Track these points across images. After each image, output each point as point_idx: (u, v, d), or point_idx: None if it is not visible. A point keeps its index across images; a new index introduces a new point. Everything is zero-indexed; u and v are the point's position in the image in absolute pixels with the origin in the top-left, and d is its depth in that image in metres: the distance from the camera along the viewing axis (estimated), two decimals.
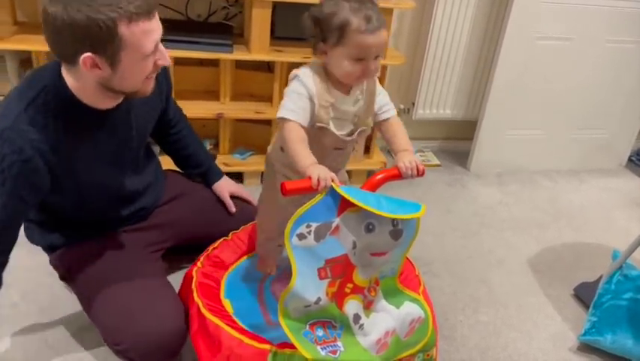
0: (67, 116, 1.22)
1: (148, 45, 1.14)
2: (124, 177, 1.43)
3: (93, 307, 1.40)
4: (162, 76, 1.43)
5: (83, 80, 1.19)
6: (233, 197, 1.78)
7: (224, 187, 1.77)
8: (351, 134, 1.27)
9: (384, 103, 1.30)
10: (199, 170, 1.76)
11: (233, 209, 1.75)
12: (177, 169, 1.81)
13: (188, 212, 1.68)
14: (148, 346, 1.29)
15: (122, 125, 1.34)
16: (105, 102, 1.26)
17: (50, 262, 1.54)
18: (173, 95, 1.66)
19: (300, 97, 1.18)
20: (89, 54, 1.10)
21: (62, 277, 1.56)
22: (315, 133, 1.21)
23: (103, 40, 1.08)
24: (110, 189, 1.42)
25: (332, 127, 1.23)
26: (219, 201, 1.76)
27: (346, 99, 1.23)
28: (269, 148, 1.39)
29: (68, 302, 1.58)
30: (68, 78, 1.21)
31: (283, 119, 1.17)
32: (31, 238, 1.51)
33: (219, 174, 1.79)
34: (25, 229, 1.51)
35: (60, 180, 1.26)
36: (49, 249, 1.52)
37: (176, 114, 1.69)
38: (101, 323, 1.38)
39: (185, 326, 1.37)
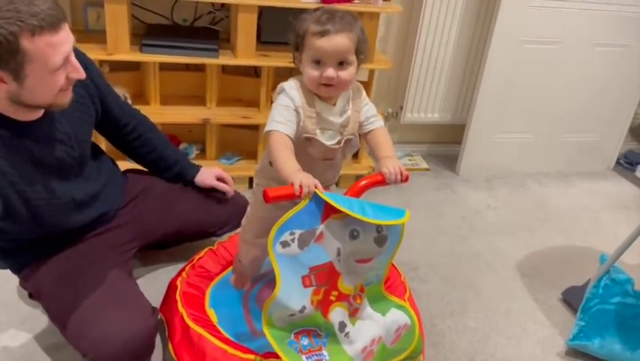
0: None
1: (55, 58, 1.11)
2: (72, 185, 1.39)
3: (60, 321, 1.36)
4: (89, 82, 1.38)
5: None
6: (213, 189, 1.76)
7: (208, 176, 1.73)
8: (338, 143, 1.26)
9: (371, 115, 1.30)
10: (172, 172, 1.72)
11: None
12: (136, 168, 1.77)
13: (151, 207, 1.65)
14: (110, 352, 1.25)
15: (55, 133, 1.30)
16: (25, 115, 1.21)
17: (19, 283, 1.52)
18: (123, 99, 1.61)
19: (287, 109, 1.18)
20: None
21: (31, 296, 1.52)
22: (303, 144, 1.21)
23: (4, 55, 1.05)
24: (61, 201, 1.36)
25: (318, 137, 1.22)
26: (184, 192, 1.73)
27: (332, 110, 1.23)
28: (258, 165, 1.38)
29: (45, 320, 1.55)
30: None
31: (270, 132, 1.17)
32: None
33: (196, 168, 1.75)
34: None
35: (10, 202, 1.22)
36: (15, 271, 1.47)
37: (132, 119, 1.63)
38: (69, 336, 1.34)
39: (153, 326, 1.33)
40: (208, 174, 1.74)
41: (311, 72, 1.16)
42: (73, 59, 1.17)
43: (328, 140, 1.24)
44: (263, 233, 1.33)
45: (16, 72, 1.08)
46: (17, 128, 1.21)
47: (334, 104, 1.23)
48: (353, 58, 1.17)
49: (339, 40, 1.14)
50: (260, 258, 1.47)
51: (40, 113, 1.25)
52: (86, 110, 1.40)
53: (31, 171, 1.26)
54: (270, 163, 1.26)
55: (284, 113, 1.18)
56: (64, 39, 1.12)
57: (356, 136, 1.29)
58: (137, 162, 1.73)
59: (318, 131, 1.22)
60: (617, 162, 3.05)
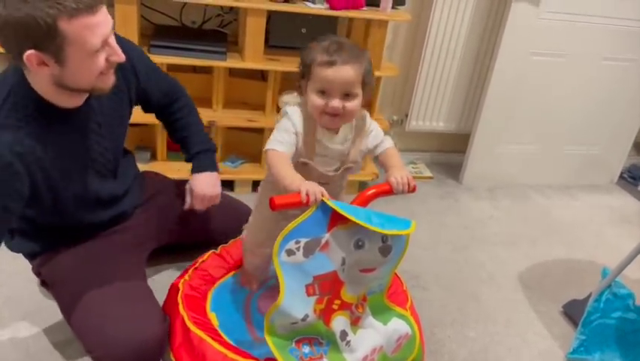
0: (36, 117, 1.20)
1: (93, 40, 1.12)
2: (101, 183, 1.41)
3: (70, 313, 1.37)
4: (129, 72, 1.40)
5: (38, 79, 1.18)
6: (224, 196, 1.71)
7: (193, 184, 1.62)
8: (337, 170, 1.28)
9: (380, 141, 1.32)
10: (186, 156, 1.67)
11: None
12: (152, 170, 1.81)
13: (165, 209, 1.66)
14: (119, 354, 1.26)
15: (90, 124, 1.32)
16: (66, 101, 1.24)
17: (32, 269, 1.52)
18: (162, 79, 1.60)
19: (287, 132, 1.21)
20: (32, 51, 1.08)
21: (42, 283, 1.54)
22: (300, 168, 1.22)
23: (44, 37, 1.07)
24: (88, 196, 1.38)
25: (315, 163, 1.24)
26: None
27: (334, 138, 1.25)
28: (264, 179, 1.40)
29: (52, 309, 1.54)
30: (30, 78, 1.19)
31: (268, 150, 1.19)
32: (10, 246, 1.48)
33: (198, 168, 1.64)
34: None
35: (37, 188, 1.24)
36: (29, 256, 1.49)
37: (173, 102, 1.64)
38: (77, 330, 1.35)
39: (163, 334, 1.34)
40: (194, 184, 1.61)
41: (316, 101, 1.17)
42: (112, 41, 1.18)
43: (325, 166, 1.26)
44: (263, 243, 1.37)
45: (56, 55, 1.10)
46: (55, 114, 1.23)
47: (336, 133, 1.25)
48: (359, 90, 1.19)
49: (346, 72, 1.14)
50: (262, 266, 1.49)
51: (81, 100, 1.26)
52: (121, 104, 1.41)
53: (63, 161, 1.27)
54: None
55: (284, 135, 1.20)
56: (102, 21, 1.13)
57: (358, 163, 1.31)
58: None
59: (315, 158, 1.24)
60: (621, 176, 3.05)
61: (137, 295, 1.39)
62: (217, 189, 1.64)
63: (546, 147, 2.78)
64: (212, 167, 1.66)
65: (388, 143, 1.32)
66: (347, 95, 1.17)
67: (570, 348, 1.67)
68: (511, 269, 2.13)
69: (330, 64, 1.14)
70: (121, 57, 1.21)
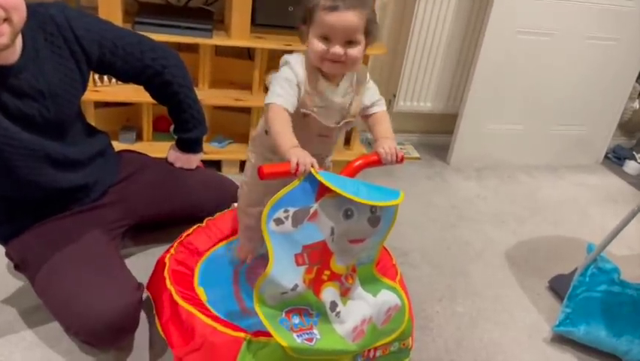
0: None
1: None
2: (47, 142, 1.35)
3: (43, 293, 1.36)
4: (72, 43, 1.34)
5: None
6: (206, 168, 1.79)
7: (171, 157, 1.77)
8: (337, 123, 1.27)
9: (376, 99, 1.30)
10: (174, 132, 1.75)
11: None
12: (130, 149, 1.82)
13: (144, 187, 1.64)
14: (93, 326, 1.25)
15: (25, 87, 1.26)
16: None
17: (5, 253, 1.50)
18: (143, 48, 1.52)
19: (289, 82, 1.17)
20: None
21: (16, 267, 1.51)
22: (300, 119, 1.20)
23: None
24: (33, 153, 1.33)
25: (316, 115, 1.22)
26: (177, 176, 1.74)
27: (335, 90, 1.22)
28: (253, 132, 1.37)
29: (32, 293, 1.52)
30: None
31: (269, 104, 1.15)
32: None
33: (181, 148, 1.75)
34: None
35: None
36: (1, 240, 1.47)
37: (150, 69, 1.54)
38: (52, 308, 1.34)
39: (138, 301, 1.34)
40: (175, 161, 1.77)
41: (317, 46, 1.14)
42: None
43: (326, 119, 1.23)
44: (255, 202, 1.37)
45: None
46: None
47: (337, 85, 1.23)
48: (362, 37, 1.15)
49: (349, 18, 1.11)
50: (253, 227, 1.46)
51: (7, 58, 1.20)
52: (68, 73, 1.36)
53: None
54: (266, 132, 1.26)
55: (285, 86, 1.16)
56: None
57: (357, 118, 1.29)
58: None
59: (316, 109, 1.21)
60: (606, 157, 3.08)
61: (109, 267, 1.38)
62: (192, 166, 1.78)
63: (532, 127, 2.80)
64: (195, 150, 1.77)
65: (382, 106, 1.31)
66: (349, 42, 1.14)
67: (556, 321, 1.69)
68: (498, 247, 2.15)
69: (333, 9, 1.10)
70: None
